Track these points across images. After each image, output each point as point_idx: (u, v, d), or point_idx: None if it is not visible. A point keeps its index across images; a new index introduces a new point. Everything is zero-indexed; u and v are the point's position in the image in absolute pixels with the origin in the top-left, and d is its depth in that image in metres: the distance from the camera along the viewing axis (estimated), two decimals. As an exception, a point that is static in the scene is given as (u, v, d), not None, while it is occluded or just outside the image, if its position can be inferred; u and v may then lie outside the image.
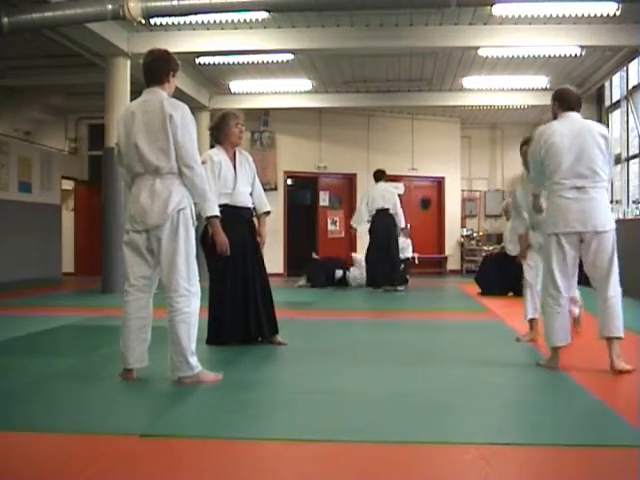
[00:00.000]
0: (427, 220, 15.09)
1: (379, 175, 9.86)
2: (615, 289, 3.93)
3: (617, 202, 10.76)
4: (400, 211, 9.71)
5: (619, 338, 3.88)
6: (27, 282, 11.58)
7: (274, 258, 12.46)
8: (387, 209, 9.59)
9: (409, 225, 14.46)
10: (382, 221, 9.60)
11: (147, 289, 3.69)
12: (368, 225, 9.89)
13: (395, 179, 14.57)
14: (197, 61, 10.22)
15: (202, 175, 3.64)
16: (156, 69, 3.69)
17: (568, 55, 9.82)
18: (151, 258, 3.65)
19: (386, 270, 9.61)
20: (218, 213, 4.65)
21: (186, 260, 3.58)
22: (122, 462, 2.45)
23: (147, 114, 3.57)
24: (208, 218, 4.67)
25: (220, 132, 4.89)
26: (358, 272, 10.79)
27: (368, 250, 9.89)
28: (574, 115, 4.01)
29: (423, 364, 4.26)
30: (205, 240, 4.76)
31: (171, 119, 3.52)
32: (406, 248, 11.52)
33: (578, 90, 11.90)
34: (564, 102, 4.04)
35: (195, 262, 3.64)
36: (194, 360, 3.58)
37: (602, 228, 3.89)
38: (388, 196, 9.64)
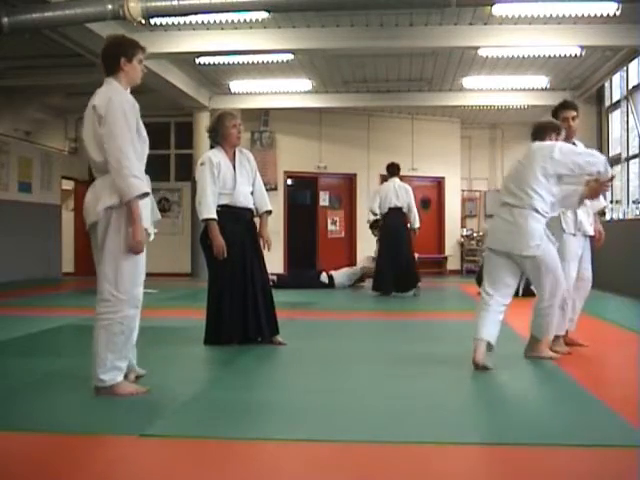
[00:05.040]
0: (427, 220, 15.01)
1: (393, 170, 9.20)
2: (549, 300, 4.19)
3: (617, 202, 10.75)
4: (415, 210, 9.16)
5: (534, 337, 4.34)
6: (27, 282, 11.57)
7: (274, 258, 12.44)
8: (400, 208, 9.05)
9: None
10: (394, 221, 9.07)
11: None
12: (371, 221, 9.62)
13: (395, 179, 14.60)
14: (197, 61, 10.23)
15: (117, 170, 3.18)
16: (104, 58, 3.43)
17: (568, 55, 9.82)
18: None
19: (397, 275, 8.99)
20: (213, 216, 4.65)
21: (114, 263, 3.31)
22: (122, 462, 2.46)
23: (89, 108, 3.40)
24: (203, 221, 4.69)
25: (217, 133, 4.86)
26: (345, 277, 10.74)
27: (379, 253, 9.41)
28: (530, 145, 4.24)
29: (422, 364, 4.25)
30: (204, 240, 4.77)
31: (94, 109, 3.31)
32: None
33: (578, 91, 11.93)
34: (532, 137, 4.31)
35: (131, 266, 3.31)
36: (108, 376, 3.27)
37: (521, 252, 4.09)
38: (402, 194, 9.06)
